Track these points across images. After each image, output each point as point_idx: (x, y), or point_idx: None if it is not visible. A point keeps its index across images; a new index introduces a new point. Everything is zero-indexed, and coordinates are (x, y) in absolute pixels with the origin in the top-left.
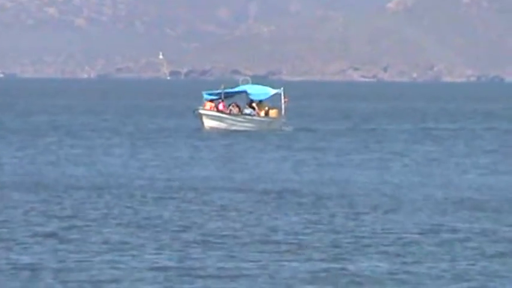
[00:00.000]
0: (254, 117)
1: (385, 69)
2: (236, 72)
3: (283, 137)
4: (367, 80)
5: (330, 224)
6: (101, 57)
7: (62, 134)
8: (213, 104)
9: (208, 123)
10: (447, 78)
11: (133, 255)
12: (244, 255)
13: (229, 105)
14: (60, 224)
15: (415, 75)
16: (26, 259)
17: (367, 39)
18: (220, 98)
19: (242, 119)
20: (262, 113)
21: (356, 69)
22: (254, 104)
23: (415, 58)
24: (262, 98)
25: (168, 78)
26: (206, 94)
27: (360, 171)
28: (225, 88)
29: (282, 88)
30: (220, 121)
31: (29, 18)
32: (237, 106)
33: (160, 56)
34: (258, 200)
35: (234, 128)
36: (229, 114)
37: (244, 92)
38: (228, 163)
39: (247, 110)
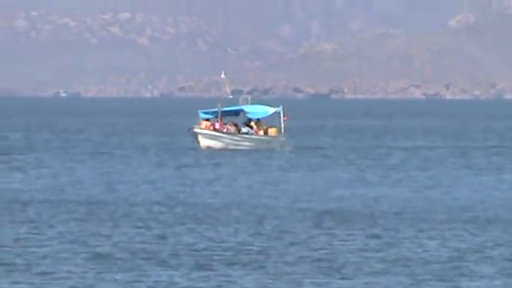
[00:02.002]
0: (252, 136)
1: (446, 87)
2: (297, 90)
3: (287, 156)
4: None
5: (364, 242)
6: (164, 76)
7: (96, 152)
8: (208, 123)
9: (204, 142)
10: (509, 96)
11: (173, 274)
12: (288, 275)
13: (226, 124)
14: (96, 243)
15: (477, 92)
16: (57, 275)
17: (429, 57)
18: (216, 117)
19: (239, 138)
20: (261, 132)
21: (417, 87)
22: (252, 123)
23: (477, 76)
24: (260, 116)
25: (230, 97)
26: (202, 113)
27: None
28: (221, 107)
29: (281, 106)
30: (217, 140)
31: (93, 37)
32: (234, 125)
33: (223, 75)
34: (295, 218)
35: (231, 147)
36: (226, 133)
37: (242, 110)
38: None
39: (245, 129)
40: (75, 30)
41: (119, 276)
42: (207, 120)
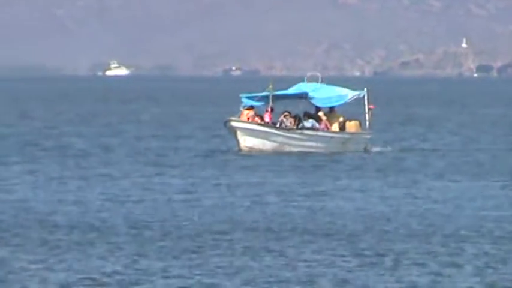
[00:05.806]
0: (319, 133)
1: None
2: None
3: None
4: None
5: None
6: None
7: None
8: (252, 113)
9: (245, 141)
10: None
11: None
12: None
13: (282, 115)
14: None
15: None
16: None
17: None
18: (266, 104)
19: (299, 136)
20: (335, 127)
21: None
22: (320, 113)
23: None
24: (333, 104)
25: (475, 75)
26: (245, 97)
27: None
28: (274, 89)
29: (365, 89)
30: (264, 138)
31: None
32: (293, 116)
33: (464, 44)
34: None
35: (287, 148)
36: (279, 128)
37: (305, 94)
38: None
39: (308, 123)
40: None
41: None
42: (251, 108)
